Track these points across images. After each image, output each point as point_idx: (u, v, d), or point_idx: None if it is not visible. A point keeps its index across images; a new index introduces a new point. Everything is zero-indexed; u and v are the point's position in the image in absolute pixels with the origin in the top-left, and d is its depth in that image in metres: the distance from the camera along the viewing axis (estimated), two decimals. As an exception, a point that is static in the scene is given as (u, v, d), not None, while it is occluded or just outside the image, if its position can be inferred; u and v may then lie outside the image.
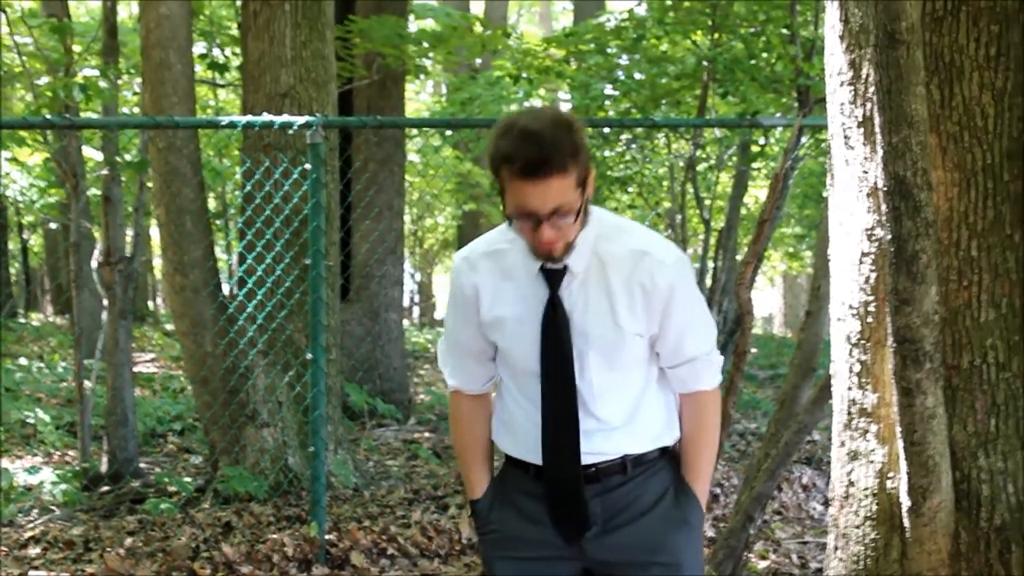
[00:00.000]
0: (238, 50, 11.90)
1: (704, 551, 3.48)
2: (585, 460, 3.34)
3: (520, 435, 3.41)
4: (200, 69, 13.57)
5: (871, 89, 3.95)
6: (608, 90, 12.88)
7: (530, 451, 3.37)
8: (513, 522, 3.45)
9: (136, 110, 14.07)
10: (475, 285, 3.39)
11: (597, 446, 3.34)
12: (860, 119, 4.09)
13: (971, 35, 3.98)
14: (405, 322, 20.56)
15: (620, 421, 3.34)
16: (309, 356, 7.18)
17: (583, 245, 3.26)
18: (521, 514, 3.43)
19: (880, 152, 3.68)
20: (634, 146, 14.52)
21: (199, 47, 12.93)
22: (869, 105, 4.04)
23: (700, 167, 14.61)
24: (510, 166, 3.06)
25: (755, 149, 14.30)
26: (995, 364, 3.99)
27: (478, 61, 21.48)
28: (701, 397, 3.44)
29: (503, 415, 3.48)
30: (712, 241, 13.73)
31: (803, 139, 11.48)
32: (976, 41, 3.98)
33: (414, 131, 18.64)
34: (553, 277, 3.28)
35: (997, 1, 3.98)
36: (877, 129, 3.70)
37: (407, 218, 24.09)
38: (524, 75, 13.15)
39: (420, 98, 28.03)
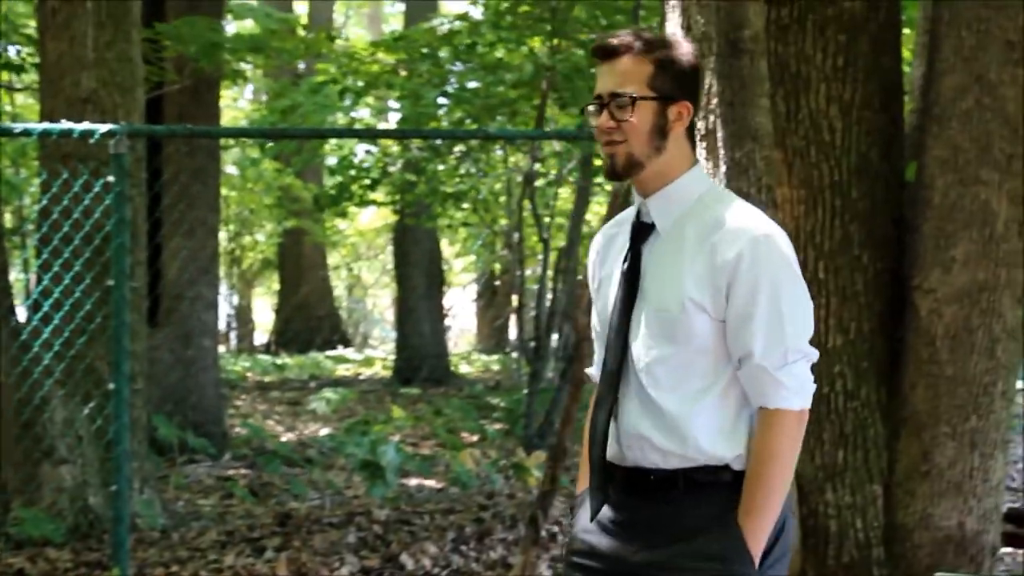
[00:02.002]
0: (36, 50, 11.64)
1: None
2: (629, 454, 3.26)
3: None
4: (-7, 71, 13.27)
5: (713, 101, 3.99)
6: (441, 99, 12.91)
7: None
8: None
9: (-79, 115, 13.72)
10: (595, 254, 3.48)
11: (643, 437, 3.23)
12: (702, 132, 4.13)
13: (818, 45, 4.05)
14: (221, 348, 20.30)
15: (674, 407, 3.19)
16: (112, 386, 7.03)
17: (674, 201, 3.24)
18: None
19: (723, 167, 3.73)
20: (468, 159, 14.56)
21: (-8, 47, 12.65)
22: (711, 118, 4.07)
23: (539, 182, 14.67)
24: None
25: (597, 163, 14.41)
26: (843, 392, 4.06)
27: (301, 66, 21.35)
28: (763, 416, 3.16)
29: None
30: (552, 261, 13.78)
31: (647, 153, 11.59)
32: (823, 51, 4.05)
33: (231, 141, 18.43)
34: (639, 233, 3.28)
35: (844, 9, 4.05)
36: (720, 143, 3.74)
37: (223, 235, 23.80)
38: (351, 81, 13.10)
39: (238, 105, 27.74)
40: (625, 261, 3.28)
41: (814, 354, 3.17)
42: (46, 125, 7.44)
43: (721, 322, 3.16)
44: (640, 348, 3.24)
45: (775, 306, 3.12)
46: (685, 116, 3.19)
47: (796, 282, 3.15)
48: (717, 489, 3.19)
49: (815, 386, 3.17)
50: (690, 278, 3.16)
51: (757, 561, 3.15)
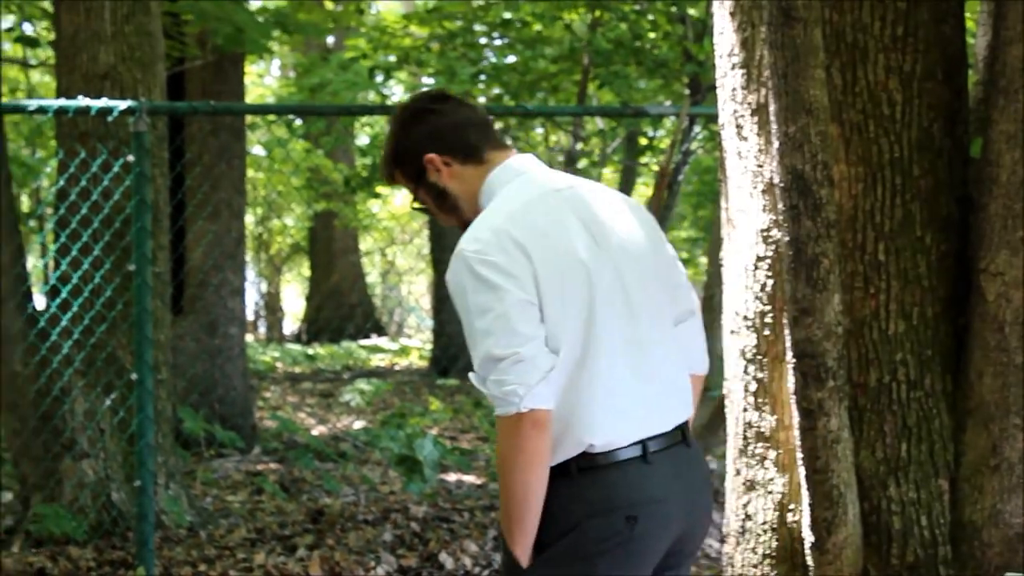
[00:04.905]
0: (51, 24, 11.67)
1: None
2: None
3: None
4: (8, 47, 13.32)
5: (765, 72, 3.94)
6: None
7: None
8: None
9: (-66, 94, 13.76)
10: None
11: None
12: (754, 106, 4.10)
13: (875, 13, 4.00)
14: (249, 338, 20.35)
15: None
16: (134, 376, 7.06)
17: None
18: None
19: (776, 143, 3.69)
20: (507, 137, 14.53)
21: (6, 21, 12.70)
22: (763, 91, 4.04)
23: (581, 162, 14.64)
24: None
25: (643, 142, 14.38)
26: (906, 381, 4.01)
27: (330, 40, 21.36)
28: None
29: None
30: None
31: (696, 129, 11.57)
32: (881, 20, 4.01)
33: (258, 120, 18.47)
34: None
35: (904, -25, 4.01)
36: (772, 117, 3.70)
37: (249, 219, 23.85)
38: (382, 57, 13.09)
39: (265, 82, 27.78)
40: None
41: (513, 358, 3.21)
42: (62, 102, 7.46)
43: None
44: None
45: (467, 321, 3.31)
46: (437, 161, 3.59)
47: (480, 290, 3.28)
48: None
49: (522, 388, 3.21)
50: None
51: (520, 553, 3.35)
